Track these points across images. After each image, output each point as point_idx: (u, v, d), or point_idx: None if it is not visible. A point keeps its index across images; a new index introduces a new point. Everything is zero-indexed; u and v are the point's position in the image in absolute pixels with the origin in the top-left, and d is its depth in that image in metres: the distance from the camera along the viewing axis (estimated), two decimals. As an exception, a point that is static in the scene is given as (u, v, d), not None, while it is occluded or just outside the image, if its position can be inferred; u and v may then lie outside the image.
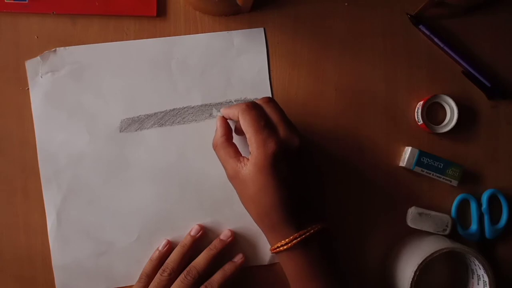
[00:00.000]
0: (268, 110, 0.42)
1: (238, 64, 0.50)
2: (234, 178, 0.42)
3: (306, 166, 0.42)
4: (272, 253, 0.42)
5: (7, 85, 0.49)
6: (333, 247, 0.43)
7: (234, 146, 0.44)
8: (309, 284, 0.41)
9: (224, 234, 0.49)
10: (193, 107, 0.50)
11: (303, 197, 0.41)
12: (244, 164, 0.41)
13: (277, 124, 0.41)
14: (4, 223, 0.49)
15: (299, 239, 0.40)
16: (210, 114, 0.50)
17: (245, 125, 0.41)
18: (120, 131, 0.49)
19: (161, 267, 0.46)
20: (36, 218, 0.49)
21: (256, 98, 0.50)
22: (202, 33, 0.50)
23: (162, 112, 0.50)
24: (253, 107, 0.42)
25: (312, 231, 0.40)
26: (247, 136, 0.41)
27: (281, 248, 0.40)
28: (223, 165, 0.43)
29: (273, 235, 0.41)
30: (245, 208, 0.43)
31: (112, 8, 0.49)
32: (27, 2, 0.48)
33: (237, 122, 0.44)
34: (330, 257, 0.42)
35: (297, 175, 0.41)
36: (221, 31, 0.50)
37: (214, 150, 0.44)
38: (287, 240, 0.40)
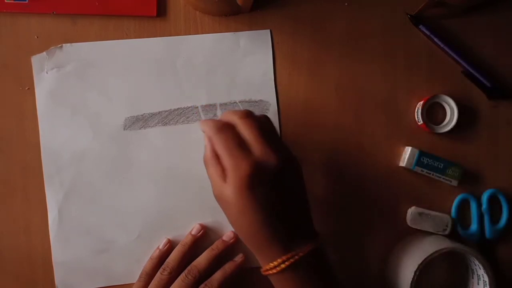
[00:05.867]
0: (243, 127, 0.39)
1: (243, 65, 0.50)
2: (218, 198, 0.40)
3: (290, 184, 0.40)
4: (264, 275, 0.40)
5: (7, 85, 0.49)
6: (327, 264, 0.41)
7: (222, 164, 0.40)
8: None
9: (227, 235, 0.49)
10: (197, 107, 0.50)
11: (288, 216, 0.39)
12: (228, 185, 0.39)
13: (251, 143, 0.39)
14: (4, 223, 0.49)
15: (287, 263, 0.38)
16: (215, 114, 0.50)
17: (218, 148, 0.39)
18: (124, 129, 0.49)
19: (161, 266, 0.47)
20: (36, 218, 0.49)
21: (261, 100, 0.50)
22: (202, 33, 0.50)
23: (167, 111, 0.49)
24: (224, 128, 0.39)
25: (301, 254, 0.38)
26: (221, 159, 0.39)
27: (269, 271, 0.39)
28: (211, 183, 0.41)
29: (261, 257, 0.40)
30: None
31: (112, 8, 0.49)
32: (27, 2, 0.48)
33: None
34: (323, 278, 0.40)
35: (279, 195, 0.39)
36: (221, 31, 0.50)
37: (204, 166, 0.42)
38: (275, 263, 0.38)
